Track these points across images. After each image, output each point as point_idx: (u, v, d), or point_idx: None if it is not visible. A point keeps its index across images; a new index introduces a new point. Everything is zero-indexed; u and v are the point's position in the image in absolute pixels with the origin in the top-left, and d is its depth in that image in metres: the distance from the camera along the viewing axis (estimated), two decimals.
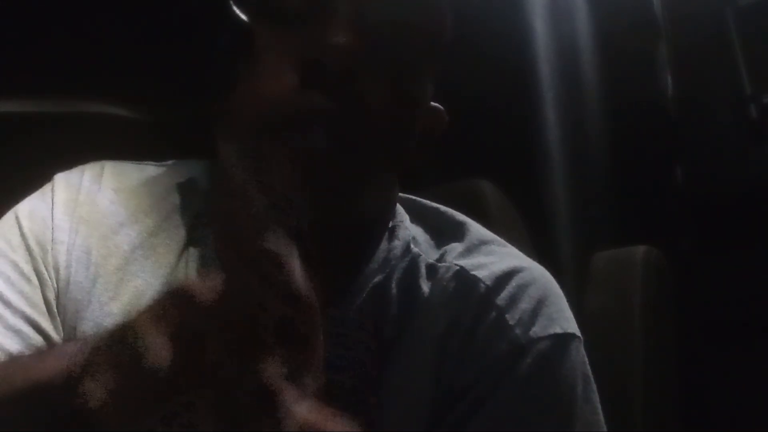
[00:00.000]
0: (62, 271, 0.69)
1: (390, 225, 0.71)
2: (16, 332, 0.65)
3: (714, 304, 1.38)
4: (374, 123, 0.62)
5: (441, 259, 0.70)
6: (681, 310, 1.21)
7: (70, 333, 0.68)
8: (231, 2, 0.63)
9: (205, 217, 0.72)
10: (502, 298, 0.66)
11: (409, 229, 0.72)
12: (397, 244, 0.70)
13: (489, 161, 1.30)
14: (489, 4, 1.33)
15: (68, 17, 1.14)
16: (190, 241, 0.71)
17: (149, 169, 0.76)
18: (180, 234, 0.71)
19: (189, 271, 0.70)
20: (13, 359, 0.62)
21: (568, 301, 0.70)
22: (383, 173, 0.67)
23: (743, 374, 1.34)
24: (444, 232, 0.72)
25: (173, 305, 0.47)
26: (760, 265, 1.35)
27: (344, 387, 0.66)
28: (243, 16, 0.63)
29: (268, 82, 0.60)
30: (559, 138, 1.36)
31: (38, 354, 0.61)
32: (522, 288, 0.67)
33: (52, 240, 0.69)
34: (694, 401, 1.25)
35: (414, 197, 0.76)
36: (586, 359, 0.69)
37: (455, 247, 0.71)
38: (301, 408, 0.47)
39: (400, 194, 0.74)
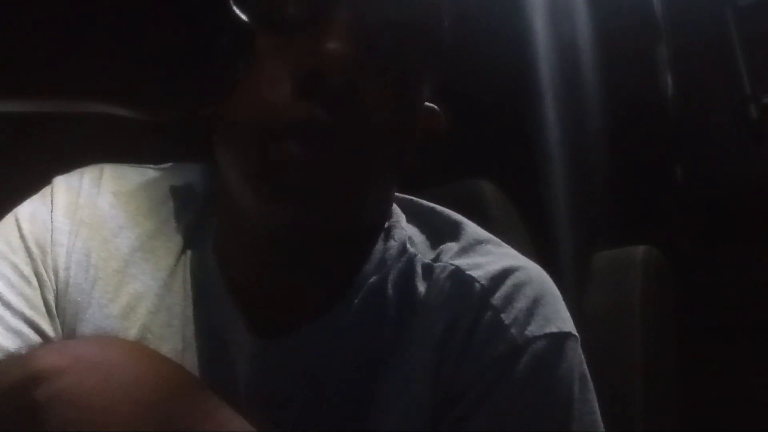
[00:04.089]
0: (61, 273, 0.69)
1: (386, 225, 0.71)
2: (17, 333, 0.65)
3: (714, 304, 1.38)
4: (374, 130, 0.62)
5: (437, 258, 0.70)
6: (681, 310, 1.21)
7: (70, 334, 0.68)
8: (231, 3, 0.63)
9: (203, 221, 0.72)
10: (497, 298, 0.66)
11: (405, 230, 0.72)
12: (393, 244, 0.70)
13: (489, 161, 1.30)
14: (489, 4, 1.33)
15: (68, 17, 1.15)
16: (188, 244, 0.71)
17: (148, 173, 0.76)
18: (178, 237, 0.72)
19: (187, 274, 0.70)
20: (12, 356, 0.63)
21: (567, 301, 0.70)
22: (383, 178, 0.67)
23: (743, 374, 1.34)
24: (440, 232, 0.72)
25: None
26: (760, 265, 1.35)
27: (342, 388, 0.66)
28: (243, 17, 0.63)
29: (267, 90, 0.60)
30: (559, 138, 1.36)
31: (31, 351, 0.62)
32: (517, 287, 0.67)
33: (52, 242, 0.70)
34: (694, 401, 1.25)
35: (410, 197, 0.76)
36: (583, 358, 0.68)
37: (451, 247, 0.71)
38: None
39: (397, 194, 0.74)
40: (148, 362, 0.62)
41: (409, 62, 0.64)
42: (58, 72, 1.15)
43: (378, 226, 0.71)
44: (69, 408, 0.56)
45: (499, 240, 0.73)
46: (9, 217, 0.72)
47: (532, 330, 0.65)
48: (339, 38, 0.59)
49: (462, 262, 0.69)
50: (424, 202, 0.76)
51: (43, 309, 0.68)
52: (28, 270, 0.68)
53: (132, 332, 0.68)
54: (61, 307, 0.69)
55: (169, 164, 0.78)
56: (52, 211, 0.71)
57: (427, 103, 0.70)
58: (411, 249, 0.70)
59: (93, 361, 0.59)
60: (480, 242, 0.71)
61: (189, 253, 0.71)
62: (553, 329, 0.66)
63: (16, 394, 0.57)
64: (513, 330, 0.65)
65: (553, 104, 1.37)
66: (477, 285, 0.67)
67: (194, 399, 0.61)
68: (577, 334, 0.68)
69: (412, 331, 0.67)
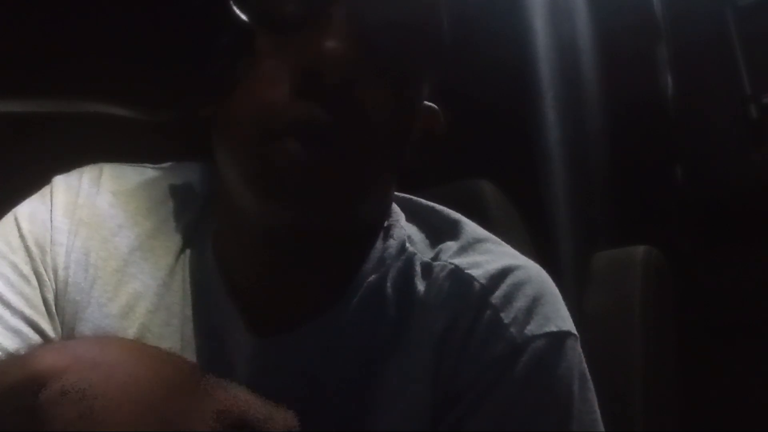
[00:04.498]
0: (61, 273, 0.69)
1: (385, 224, 0.71)
2: (16, 333, 0.66)
3: (714, 304, 1.38)
4: (373, 129, 0.62)
5: (436, 257, 0.70)
6: (681, 310, 1.21)
7: (69, 334, 0.68)
8: (231, 3, 0.63)
9: (202, 220, 0.73)
10: (497, 297, 0.66)
11: (404, 229, 0.72)
12: (392, 243, 0.70)
13: (489, 161, 1.30)
14: (489, 4, 1.33)
15: (68, 17, 1.15)
16: (188, 243, 0.71)
17: (147, 172, 0.76)
18: (178, 237, 0.72)
19: (186, 274, 0.70)
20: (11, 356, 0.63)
21: (567, 300, 0.70)
22: (382, 177, 0.67)
23: (743, 374, 1.34)
24: (439, 231, 0.72)
25: None
26: (760, 266, 1.34)
27: (341, 387, 0.66)
28: (243, 17, 0.63)
29: (265, 89, 0.61)
30: (559, 138, 1.36)
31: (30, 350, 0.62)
32: (517, 286, 0.67)
33: (51, 242, 0.70)
34: (694, 401, 1.25)
35: (410, 196, 0.76)
36: (583, 357, 0.68)
37: (450, 246, 0.70)
38: None
39: (396, 193, 0.74)
40: (148, 361, 0.61)
41: (408, 61, 0.64)
42: (58, 72, 1.15)
43: (377, 226, 0.71)
44: (68, 408, 0.56)
45: (498, 239, 0.73)
46: (8, 217, 0.72)
47: (532, 329, 0.65)
48: (338, 37, 0.60)
49: (461, 261, 0.69)
50: (424, 201, 0.76)
51: (43, 308, 0.68)
52: (27, 269, 0.68)
53: (131, 331, 0.68)
54: (60, 306, 0.69)
55: (169, 163, 0.78)
56: (51, 211, 0.71)
57: (427, 103, 0.70)
58: (410, 248, 0.70)
59: (93, 361, 0.59)
60: (479, 241, 0.71)
61: (188, 252, 0.71)
62: (553, 328, 0.66)
63: (16, 394, 0.57)
64: (512, 329, 0.65)
65: (553, 104, 1.37)
66: (476, 284, 0.67)
67: (195, 397, 0.60)
68: (576, 333, 0.68)
69: (411, 331, 0.67)
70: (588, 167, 1.39)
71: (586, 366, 0.68)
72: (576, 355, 0.67)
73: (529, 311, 0.66)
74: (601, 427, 0.68)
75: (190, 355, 0.68)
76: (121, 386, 0.57)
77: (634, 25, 1.45)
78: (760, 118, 1.37)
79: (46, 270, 0.69)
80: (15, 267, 0.68)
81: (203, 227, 0.72)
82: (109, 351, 0.61)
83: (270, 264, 0.67)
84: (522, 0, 1.39)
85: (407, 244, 0.71)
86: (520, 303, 0.66)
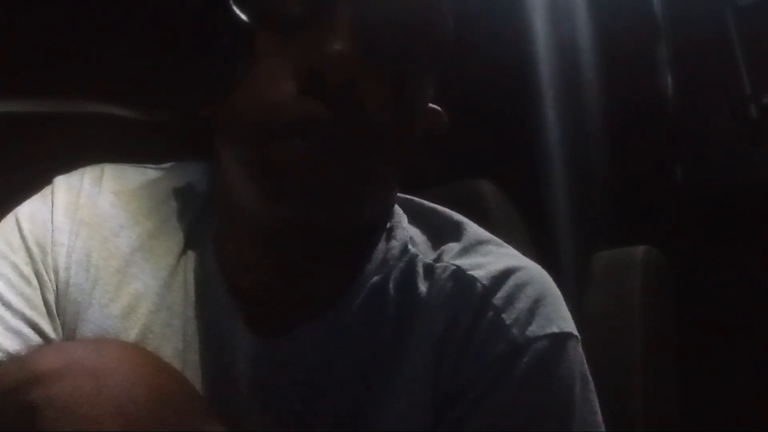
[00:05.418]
0: (62, 273, 0.69)
1: (388, 225, 0.71)
2: (17, 333, 0.65)
3: (714, 304, 1.38)
4: (374, 129, 0.62)
5: (438, 259, 0.70)
6: (681, 310, 1.21)
7: (71, 335, 0.68)
8: (232, 3, 0.63)
9: (203, 220, 0.72)
10: (499, 298, 0.66)
11: (407, 230, 0.72)
12: (395, 244, 0.70)
13: (489, 161, 1.30)
14: (489, 4, 1.33)
15: (68, 17, 1.14)
16: (189, 243, 0.71)
17: (149, 172, 0.76)
18: (179, 237, 0.72)
19: (187, 274, 0.70)
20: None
21: (567, 301, 0.70)
22: (383, 177, 0.67)
23: (743, 374, 1.34)
24: (441, 232, 0.72)
25: None
26: (760, 265, 1.35)
27: (342, 387, 0.66)
28: (244, 17, 0.63)
29: (267, 89, 0.61)
30: (559, 138, 1.36)
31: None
32: (519, 287, 0.67)
33: (52, 242, 0.70)
34: (694, 401, 1.25)
35: (412, 197, 0.76)
36: (584, 358, 0.68)
37: (452, 247, 0.70)
38: None
39: (399, 194, 0.74)
40: (144, 372, 0.61)
41: (411, 62, 0.64)
42: (58, 72, 1.15)
43: (379, 226, 0.71)
44: (60, 415, 0.56)
45: (500, 240, 0.73)
46: (9, 217, 0.72)
47: (534, 330, 0.65)
48: (340, 37, 0.60)
49: (463, 262, 0.69)
50: (425, 202, 0.76)
51: (44, 309, 0.68)
52: (28, 270, 0.68)
53: (133, 332, 0.68)
54: (61, 307, 0.69)
55: (170, 164, 0.78)
56: (52, 211, 0.71)
57: (431, 105, 0.70)
58: (412, 249, 0.70)
59: (88, 366, 0.59)
60: (481, 242, 0.71)
61: (189, 252, 0.71)
62: (555, 329, 0.66)
63: (14, 394, 0.57)
64: (514, 330, 0.65)
65: (553, 104, 1.37)
66: (478, 285, 0.67)
67: (185, 416, 0.60)
68: (578, 334, 0.68)
69: (412, 331, 0.67)
70: (588, 167, 1.40)
71: (587, 367, 0.68)
72: (577, 356, 0.67)
73: (531, 312, 0.66)
74: (603, 428, 0.68)
75: (193, 355, 0.68)
76: (112, 399, 0.57)
77: (634, 25, 1.45)
78: (760, 118, 1.38)
79: (47, 270, 0.69)
80: (16, 267, 0.68)
81: (204, 227, 0.72)
82: (106, 356, 0.61)
83: (271, 264, 0.67)
84: (522, 0, 1.39)
85: (410, 246, 0.71)
86: (522, 304, 0.66)
